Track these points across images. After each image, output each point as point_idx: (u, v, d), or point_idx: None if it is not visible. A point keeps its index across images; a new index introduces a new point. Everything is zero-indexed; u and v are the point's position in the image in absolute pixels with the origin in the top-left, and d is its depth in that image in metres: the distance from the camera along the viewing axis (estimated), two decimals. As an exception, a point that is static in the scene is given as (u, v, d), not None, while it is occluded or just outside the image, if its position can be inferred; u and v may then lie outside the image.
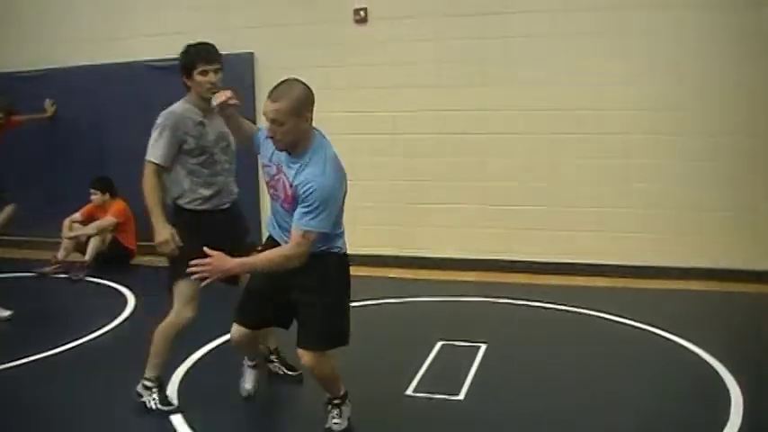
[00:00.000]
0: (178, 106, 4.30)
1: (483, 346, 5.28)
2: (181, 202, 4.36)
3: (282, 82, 3.56)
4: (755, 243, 7.09)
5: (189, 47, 4.31)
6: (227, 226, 4.40)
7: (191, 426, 4.19)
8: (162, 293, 4.55)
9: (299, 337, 3.77)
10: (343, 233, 3.81)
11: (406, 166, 7.70)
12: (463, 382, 4.66)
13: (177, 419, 4.26)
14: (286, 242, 3.60)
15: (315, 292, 3.71)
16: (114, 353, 5.58)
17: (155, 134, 4.29)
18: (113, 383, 4.87)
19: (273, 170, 3.68)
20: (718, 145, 7.10)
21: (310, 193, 3.42)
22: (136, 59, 8.75)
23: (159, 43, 8.59)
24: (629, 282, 7.13)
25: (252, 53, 8.29)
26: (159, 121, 4.29)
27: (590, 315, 6.12)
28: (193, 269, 3.46)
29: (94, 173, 8.58)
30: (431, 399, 4.47)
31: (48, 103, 9.21)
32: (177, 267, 4.23)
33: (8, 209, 8.54)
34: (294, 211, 3.52)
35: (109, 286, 7.53)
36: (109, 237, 8.26)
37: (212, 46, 4.32)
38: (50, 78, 9.21)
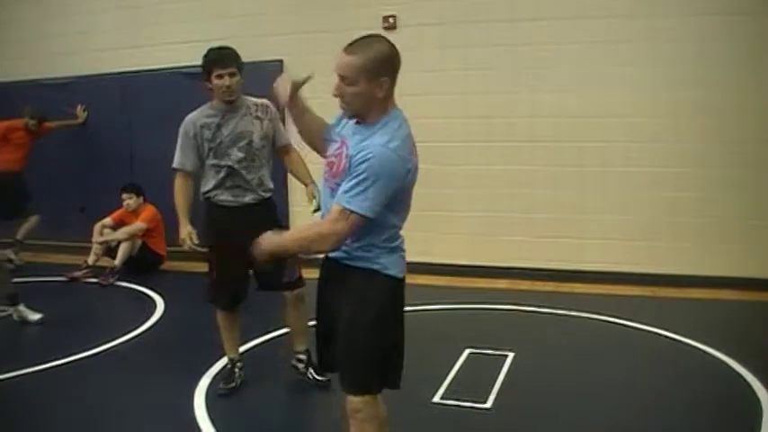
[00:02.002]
0: (196, 111, 4.57)
1: (511, 355, 5.25)
2: (208, 196, 4.64)
3: (364, 36, 2.96)
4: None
5: (208, 51, 4.50)
6: (251, 222, 4.32)
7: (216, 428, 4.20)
8: (191, 298, 4.60)
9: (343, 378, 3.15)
10: (399, 249, 3.09)
11: (435, 173, 7.66)
12: (490, 391, 4.64)
13: (205, 424, 4.26)
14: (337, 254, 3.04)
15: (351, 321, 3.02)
16: (143, 357, 5.62)
17: (178, 143, 4.64)
18: (142, 387, 4.92)
19: (337, 144, 3.02)
20: (759, 152, 7.02)
21: (362, 161, 2.79)
22: (165, 66, 8.83)
23: (188, 50, 8.65)
24: (658, 291, 7.06)
25: (281, 60, 8.31)
26: (181, 129, 4.61)
27: (619, 324, 6.06)
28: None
29: (124, 178, 8.66)
30: (458, 406, 4.45)
31: (79, 108, 9.33)
32: (209, 261, 4.76)
33: (32, 219, 8.70)
34: (333, 188, 2.95)
35: (138, 291, 7.58)
36: (139, 242, 8.32)
37: (229, 50, 4.49)
38: (81, 85, 9.34)
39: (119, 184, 8.53)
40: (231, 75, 4.41)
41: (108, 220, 8.38)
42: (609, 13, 7.23)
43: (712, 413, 4.37)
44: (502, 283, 7.40)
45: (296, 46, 8.28)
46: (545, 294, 7.01)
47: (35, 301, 6.56)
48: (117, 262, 8.11)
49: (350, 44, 2.91)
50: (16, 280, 6.72)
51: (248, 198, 4.58)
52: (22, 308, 6.40)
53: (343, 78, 2.87)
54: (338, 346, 3.06)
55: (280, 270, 4.56)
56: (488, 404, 4.48)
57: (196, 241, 4.56)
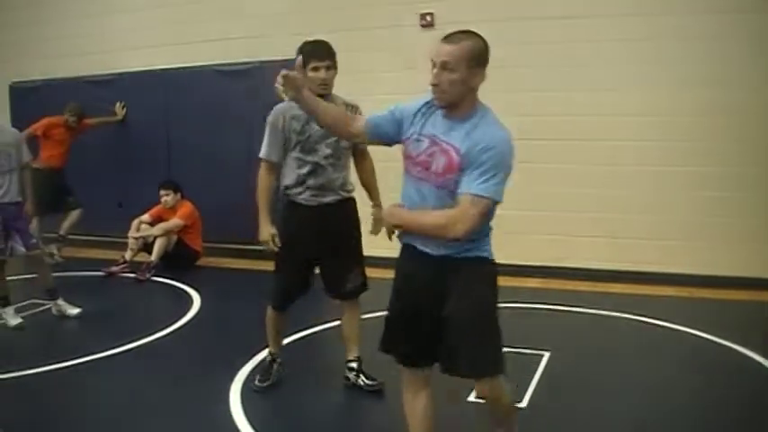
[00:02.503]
0: (284, 102, 4.31)
1: (546, 354, 5.22)
2: (288, 192, 4.51)
3: (459, 30, 3.05)
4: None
5: (304, 44, 4.41)
6: (324, 222, 4.46)
7: (252, 425, 4.22)
8: (227, 294, 4.60)
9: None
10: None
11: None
12: (526, 390, 4.61)
13: (241, 420, 4.28)
14: (433, 249, 3.07)
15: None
16: (179, 352, 5.66)
17: (266, 131, 4.49)
18: (178, 382, 4.95)
19: (425, 143, 3.04)
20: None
21: (487, 150, 2.88)
22: (203, 64, 8.90)
23: (225, 48, 8.74)
24: (695, 291, 6.98)
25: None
26: (268, 119, 4.48)
27: (655, 324, 5.99)
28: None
29: (162, 175, 8.75)
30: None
31: (118, 106, 9.44)
32: (277, 258, 4.64)
33: (75, 213, 8.81)
34: (449, 185, 2.97)
35: (175, 286, 7.65)
36: (175, 238, 8.39)
37: (325, 43, 4.45)
38: (120, 83, 9.47)
39: (156, 180, 8.62)
40: (327, 68, 4.37)
41: (145, 217, 8.46)
42: (643, 11, 7.18)
43: (746, 415, 4.31)
44: (534, 282, 7.36)
45: (334, 43, 8.25)
46: (580, 294, 6.96)
47: (73, 296, 6.64)
48: (153, 257, 8.19)
49: (448, 35, 3.00)
50: (55, 274, 6.78)
51: (329, 198, 4.47)
52: (61, 302, 6.48)
53: (444, 65, 2.94)
54: (459, 336, 3.07)
55: (345, 276, 4.57)
56: (524, 404, 4.44)
57: (279, 243, 4.47)
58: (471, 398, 4.43)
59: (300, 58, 4.16)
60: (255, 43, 8.61)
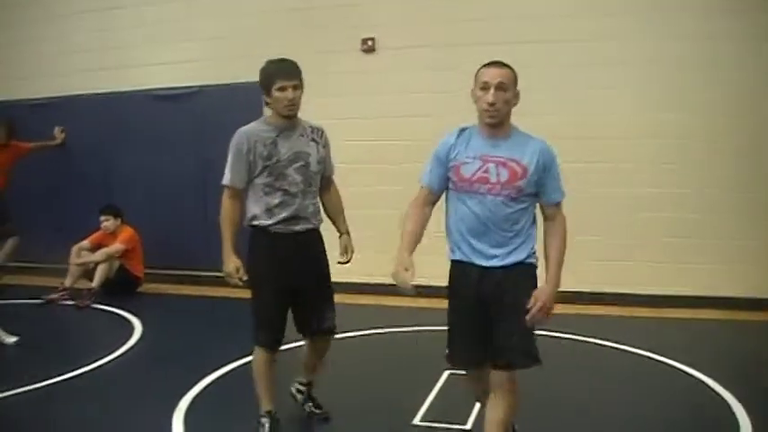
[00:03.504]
0: (251, 125, 4.22)
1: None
2: (255, 222, 4.25)
3: (495, 60, 3.54)
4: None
5: (268, 63, 4.22)
6: (298, 252, 4.25)
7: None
8: (168, 321, 4.52)
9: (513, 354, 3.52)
10: None
11: (414, 195, 7.68)
12: (470, 412, 4.62)
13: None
14: (496, 251, 3.52)
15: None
16: (120, 380, 5.56)
17: (230, 153, 4.19)
18: (119, 411, 4.86)
19: (477, 163, 3.48)
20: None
21: (553, 158, 3.53)
22: (142, 88, 8.84)
23: (167, 72, 8.69)
24: (634, 311, 7.10)
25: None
26: (231, 141, 4.19)
27: (600, 344, 6.09)
28: (533, 318, 3.49)
29: (102, 200, 8.62)
30: (438, 429, 4.44)
31: (57, 130, 9.31)
32: (253, 291, 4.34)
33: (11, 241, 8.62)
34: (510, 194, 3.46)
35: (116, 313, 7.53)
36: (116, 264, 8.27)
37: (291, 62, 4.20)
38: (61, 106, 9.33)
39: (96, 205, 8.50)
40: (295, 87, 4.12)
41: (85, 243, 8.34)
42: (576, 38, 7.39)
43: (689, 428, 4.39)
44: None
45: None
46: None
47: (11, 324, 6.48)
48: (94, 284, 8.07)
49: (494, 61, 3.50)
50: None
51: (300, 226, 4.23)
52: (-3, 330, 6.34)
53: (501, 86, 3.41)
54: (510, 331, 3.48)
55: (323, 311, 4.38)
56: (468, 425, 4.47)
57: (244, 276, 4.19)
58: (416, 420, 4.45)
59: (264, 78, 4.11)
60: (198, 68, 8.59)
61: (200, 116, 8.56)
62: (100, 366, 5.79)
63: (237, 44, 8.42)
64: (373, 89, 7.89)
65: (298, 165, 4.19)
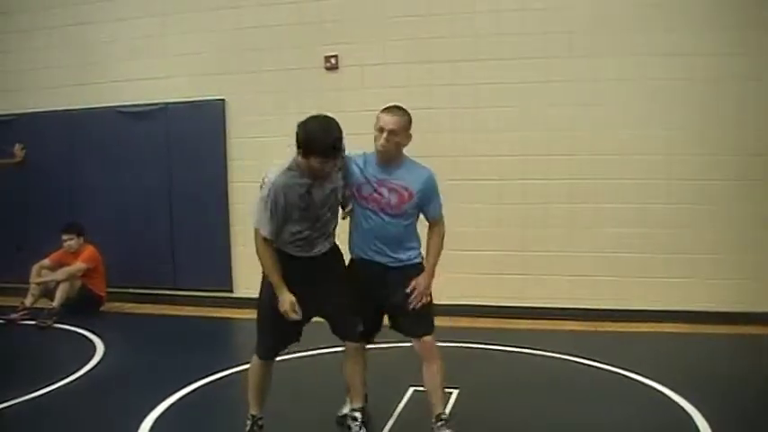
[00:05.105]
0: (283, 175, 4.10)
1: (455, 392, 5.26)
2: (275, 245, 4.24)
3: (394, 105, 4.38)
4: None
5: (314, 131, 3.99)
6: (320, 268, 4.31)
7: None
8: (131, 340, 4.48)
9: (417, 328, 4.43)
10: None
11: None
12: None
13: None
14: (385, 259, 4.38)
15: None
16: (83, 400, 5.49)
17: (261, 204, 4.11)
18: (83, 431, 4.81)
19: (371, 186, 4.31)
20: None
21: (433, 182, 4.39)
22: (107, 105, 8.77)
23: (130, 89, 8.64)
24: (600, 326, 7.18)
25: (223, 99, 8.33)
26: (264, 192, 4.11)
27: (562, 359, 6.13)
28: (415, 303, 4.33)
29: (62, 218, 8.53)
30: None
31: (17, 147, 9.17)
32: (260, 304, 4.41)
33: None
34: (397, 214, 4.30)
35: (77, 333, 7.44)
36: (78, 283, 8.19)
37: (337, 140, 4.04)
38: (21, 123, 9.22)
39: (56, 223, 8.41)
40: (330, 165, 4.09)
41: (46, 261, 8.25)
42: (547, 54, 7.46)
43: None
44: (444, 321, 7.39)
45: (238, 85, 8.31)
46: (487, 331, 7.05)
47: (-30, 345, 6.41)
48: (55, 303, 7.98)
49: (391, 107, 4.34)
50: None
51: (315, 251, 4.30)
52: (-44, 352, 6.25)
53: (393, 132, 4.24)
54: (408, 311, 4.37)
55: (354, 320, 4.39)
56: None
57: (299, 312, 4.17)
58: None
59: (302, 141, 3.98)
60: (162, 84, 8.55)
61: (164, 133, 8.53)
62: (62, 386, 5.72)
63: (200, 62, 8.42)
64: (336, 107, 7.86)
65: (330, 203, 4.29)
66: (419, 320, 4.41)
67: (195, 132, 8.44)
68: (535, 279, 7.65)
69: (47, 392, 5.55)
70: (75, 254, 8.28)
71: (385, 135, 4.22)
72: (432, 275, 4.43)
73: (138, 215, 8.81)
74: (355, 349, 4.51)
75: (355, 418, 4.49)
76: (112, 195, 8.89)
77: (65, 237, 8.29)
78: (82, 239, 8.34)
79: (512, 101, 7.60)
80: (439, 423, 4.34)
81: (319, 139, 3.96)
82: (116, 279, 8.62)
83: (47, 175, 9.16)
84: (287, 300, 4.14)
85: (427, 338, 4.42)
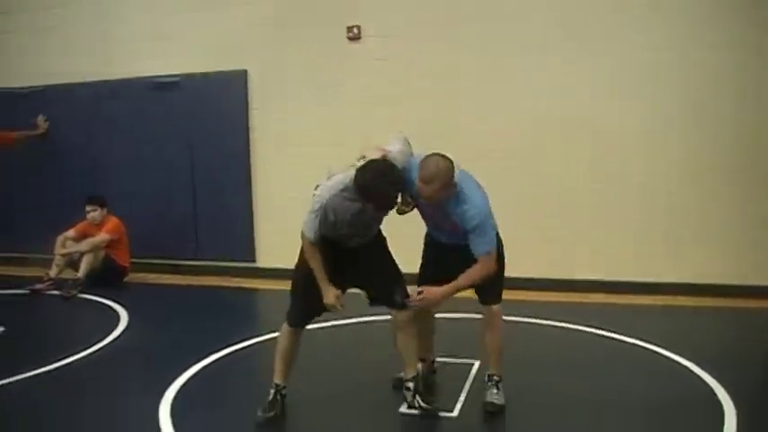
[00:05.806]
0: (337, 197, 4.14)
1: (476, 363, 5.26)
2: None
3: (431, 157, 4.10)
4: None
5: (374, 187, 4.00)
6: (353, 252, 4.41)
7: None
8: (155, 310, 4.49)
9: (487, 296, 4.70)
10: None
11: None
12: (457, 399, 4.64)
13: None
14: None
15: None
16: (107, 370, 5.53)
17: (313, 213, 4.15)
18: (105, 401, 4.85)
19: (430, 208, 4.37)
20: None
21: (476, 224, 4.24)
22: (130, 76, 8.77)
23: (156, 60, 8.63)
24: (619, 298, 7.15)
25: (245, 70, 8.31)
26: (315, 207, 4.15)
27: (586, 332, 6.10)
28: (412, 302, 4.30)
29: (88, 190, 8.57)
30: (424, 417, 4.44)
31: (41, 119, 9.21)
32: (297, 281, 4.46)
33: None
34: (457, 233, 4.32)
35: (102, 303, 7.50)
36: (102, 254, 8.24)
37: (395, 194, 4.13)
38: (48, 95, 9.24)
39: (81, 195, 8.45)
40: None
41: (71, 233, 8.29)
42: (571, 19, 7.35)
43: (675, 418, 4.39)
44: (467, 292, 7.36)
45: (261, 56, 8.28)
46: (505, 303, 7.01)
47: (-4, 315, 6.47)
48: (80, 274, 8.03)
49: (422, 167, 4.04)
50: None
51: (353, 244, 4.40)
52: (-18, 321, 6.32)
53: (428, 199, 4.11)
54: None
55: (391, 289, 4.42)
56: (455, 413, 4.47)
57: (344, 303, 4.30)
58: (403, 408, 4.45)
59: (365, 191, 4.01)
60: (186, 56, 8.53)
61: (183, 105, 8.54)
62: (86, 356, 5.76)
63: (222, 34, 8.39)
64: (359, 76, 7.86)
65: (380, 218, 4.41)
66: (491, 289, 4.68)
67: (218, 103, 8.43)
68: (560, 249, 7.60)
69: (72, 362, 5.60)
70: (99, 225, 8.32)
71: (423, 200, 4.21)
72: (449, 294, 4.34)
73: (160, 186, 8.84)
74: (402, 320, 4.50)
75: (408, 388, 4.51)
76: (134, 167, 8.91)
77: (88, 208, 8.33)
78: (105, 211, 8.37)
79: (535, 65, 7.50)
80: (490, 383, 4.59)
81: (380, 195, 4.03)
82: (139, 251, 8.66)
83: (70, 147, 9.20)
84: (331, 293, 4.23)
85: (495, 307, 4.71)
